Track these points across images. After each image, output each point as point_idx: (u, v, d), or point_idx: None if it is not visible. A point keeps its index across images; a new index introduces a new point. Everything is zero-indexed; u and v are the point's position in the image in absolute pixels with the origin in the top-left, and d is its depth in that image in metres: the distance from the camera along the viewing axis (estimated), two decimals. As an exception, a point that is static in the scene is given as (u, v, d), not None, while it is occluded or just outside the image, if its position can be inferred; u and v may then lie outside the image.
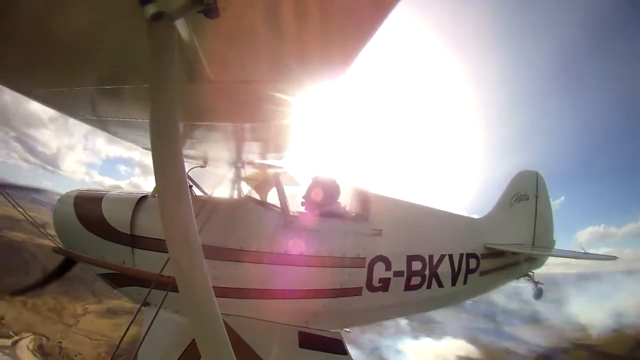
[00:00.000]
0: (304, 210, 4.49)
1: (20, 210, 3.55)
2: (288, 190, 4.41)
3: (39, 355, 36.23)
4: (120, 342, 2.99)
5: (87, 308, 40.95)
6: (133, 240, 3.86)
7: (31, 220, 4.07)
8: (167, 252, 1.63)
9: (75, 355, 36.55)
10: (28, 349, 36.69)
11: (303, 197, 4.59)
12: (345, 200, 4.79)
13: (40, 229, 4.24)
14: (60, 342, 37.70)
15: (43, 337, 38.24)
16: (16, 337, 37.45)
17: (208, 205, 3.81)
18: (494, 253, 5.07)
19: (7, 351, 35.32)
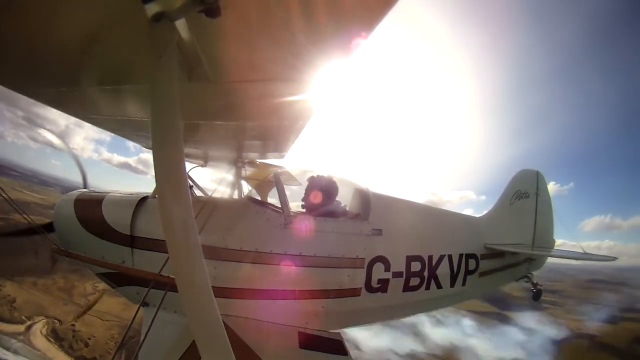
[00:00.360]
0: (304, 211, 4.49)
1: (18, 210, 3.55)
2: (288, 190, 4.40)
3: (53, 341, 36.02)
4: (122, 342, 2.99)
5: (97, 286, 40.60)
6: (133, 242, 3.87)
7: (29, 219, 4.06)
8: (167, 254, 1.62)
9: (89, 339, 36.38)
10: (42, 334, 36.54)
11: (302, 198, 4.58)
12: (346, 200, 4.78)
13: (39, 228, 4.23)
14: (73, 325, 37.52)
15: (55, 321, 38.13)
16: (29, 322, 37.31)
17: (208, 206, 3.81)
18: (494, 253, 5.05)
19: (22, 337, 35.08)
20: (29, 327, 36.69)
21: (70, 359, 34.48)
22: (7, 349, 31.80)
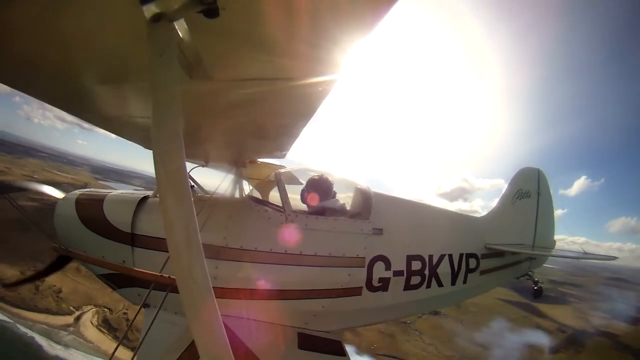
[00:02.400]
0: (305, 210, 4.49)
1: (21, 211, 3.57)
2: (289, 190, 4.40)
3: (105, 331, 34.18)
4: (119, 343, 3.00)
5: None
6: (134, 242, 3.88)
7: (30, 220, 4.07)
8: (167, 252, 1.62)
9: (145, 328, 34.68)
10: (92, 324, 34.78)
11: (302, 196, 4.58)
12: (347, 199, 4.78)
13: (40, 228, 4.23)
14: (125, 313, 35.61)
15: (106, 309, 36.17)
16: (78, 313, 35.51)
17: (209, 205, 3.81)
18: (494, 253, 5.07)
19: (71, 329, 33.31)
20: (78, 318, 34.67)
21: (127, 351, 32.85)
22: (57, 342, 30.10)
